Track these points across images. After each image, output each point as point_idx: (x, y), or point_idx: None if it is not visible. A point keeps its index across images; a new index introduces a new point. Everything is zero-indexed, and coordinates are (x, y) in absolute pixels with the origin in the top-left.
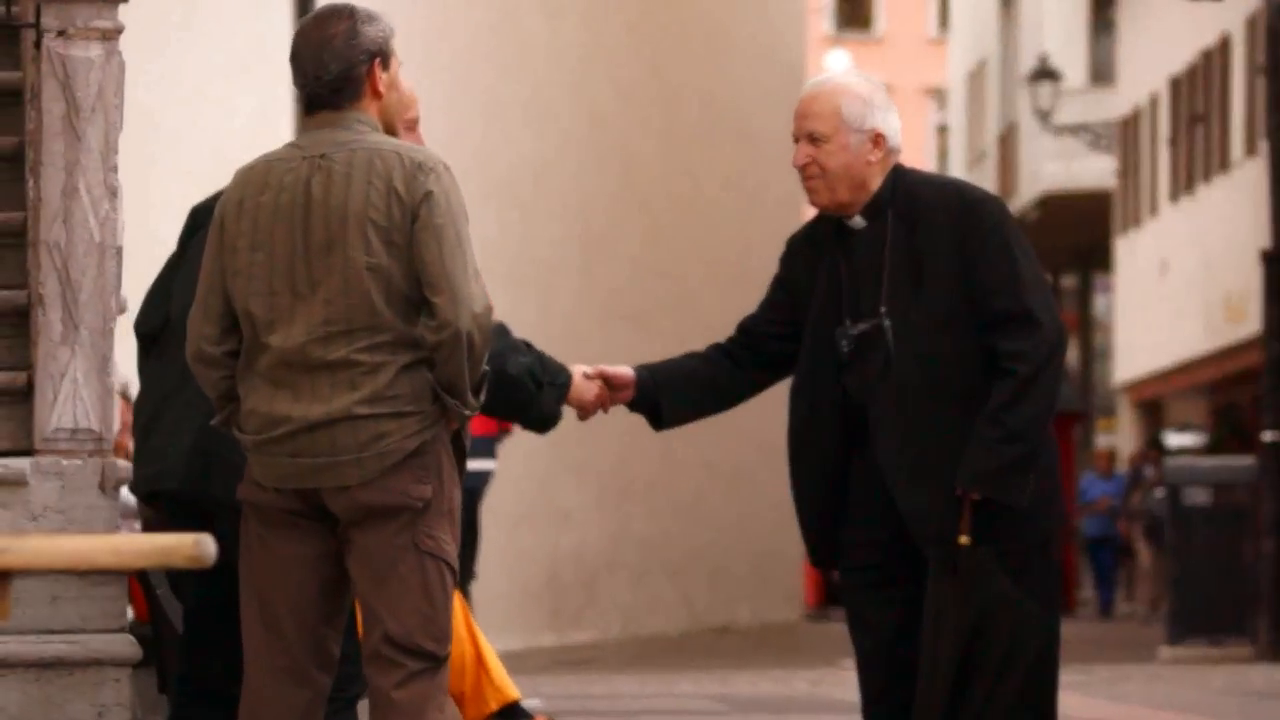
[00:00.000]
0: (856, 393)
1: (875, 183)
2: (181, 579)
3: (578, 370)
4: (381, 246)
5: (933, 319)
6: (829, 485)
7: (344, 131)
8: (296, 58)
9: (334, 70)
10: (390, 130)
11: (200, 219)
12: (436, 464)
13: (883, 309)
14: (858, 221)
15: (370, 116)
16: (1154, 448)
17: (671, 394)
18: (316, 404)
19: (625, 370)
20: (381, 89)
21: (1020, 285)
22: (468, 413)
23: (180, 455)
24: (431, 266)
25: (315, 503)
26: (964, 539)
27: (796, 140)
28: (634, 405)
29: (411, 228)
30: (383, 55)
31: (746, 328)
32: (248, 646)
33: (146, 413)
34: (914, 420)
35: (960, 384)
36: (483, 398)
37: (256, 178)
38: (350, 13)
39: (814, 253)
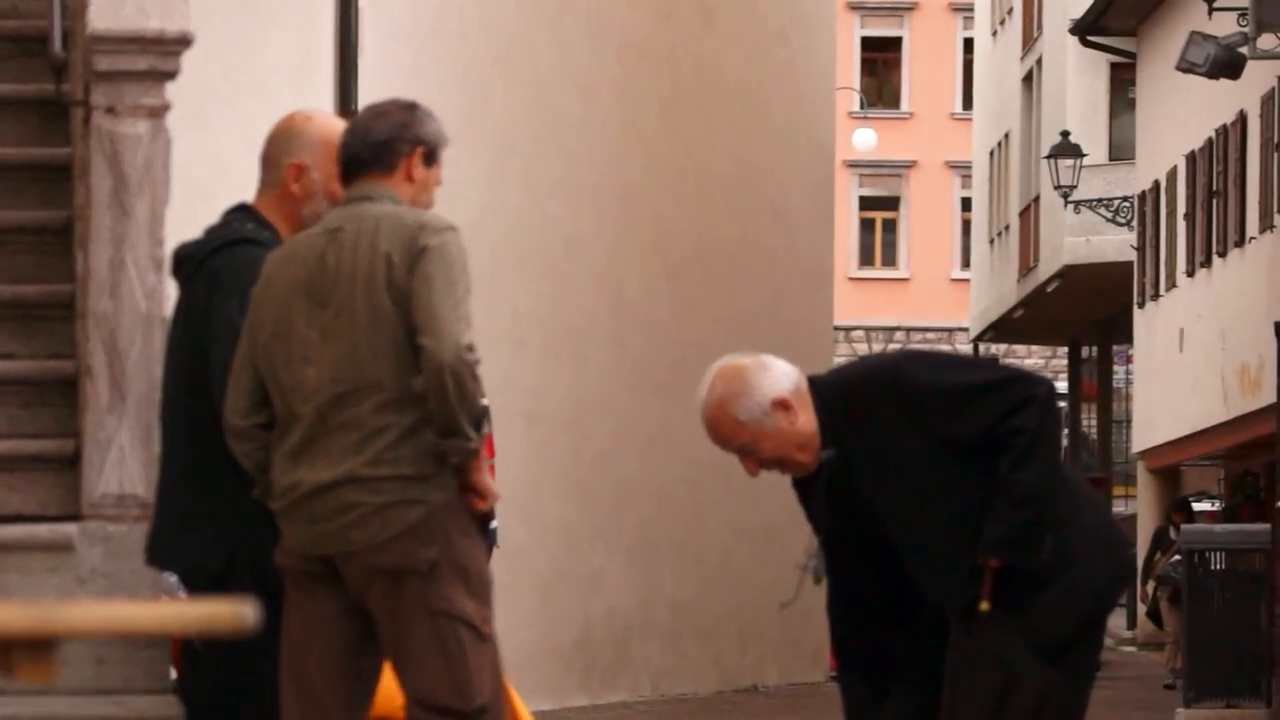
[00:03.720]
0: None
1: (812, 424)
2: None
3: None
4: (385, 303)
5: (929, 491)
6: (880, 675)
7: (365, 206)
8: (350, 126)
9: (378, 136)
10: None
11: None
12: (442, 525)
13: (882, 515)
14: (824, 455)
15: (394, 194)
16: (1180, 510)
17: None
18: (326, 468)
19: None
20: (415, 176)
21: (974, 403)
22: (471, 447)
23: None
24: (419, 309)
25: (334, 566)
26: (984, 605)
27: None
28: None
29: (409, 281)
30: (429, 149)
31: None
32: (283, 703)
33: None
34: (935, 543)
35: (972, 510)
36: (485, 431)
37: (283, 255)
38: (413, 105)
39: (804, 490)
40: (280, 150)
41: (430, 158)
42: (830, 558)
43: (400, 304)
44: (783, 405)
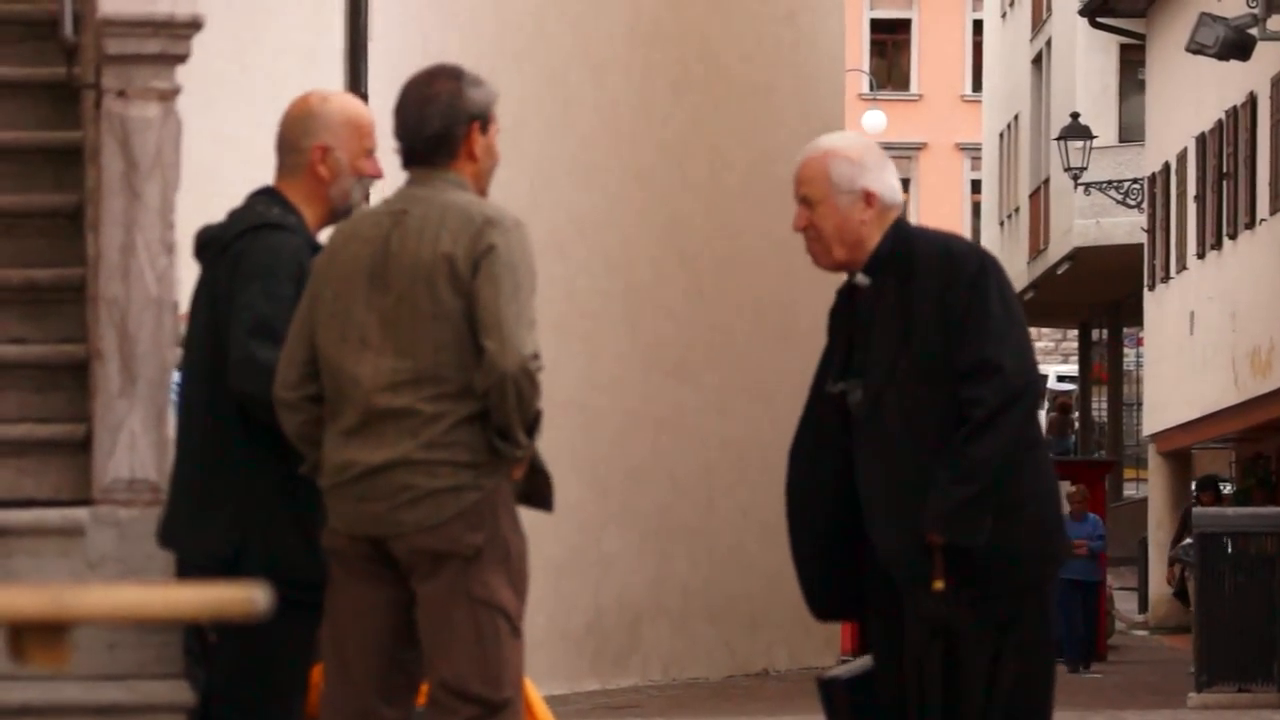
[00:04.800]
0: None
1: (873, 240)
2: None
3: None
4: (448, 298)
5: (918, 370)
6: (827, 541)
7: (428, 188)
8: (400, 111)
9: (434, 127)
10: (480, 191)
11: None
12: (492, 513)
13: (870, 363)
14: (861, 279)
15: (461, 177)
16: (1206, 489)
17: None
18: (380, 449)
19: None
20: (477, 152)
21: (987, 334)
22: (519, 454)
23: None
24: (485, 313)
25: (384, 549)
26: (938, 584)
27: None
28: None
29: (474, 279)
30: (483, 119)
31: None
32: (324, 686)
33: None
34: (894, 467)
35: (941, 433)
36: (536, 438)
37: (346, 231)
38: (458, 74)
39: (832, 315)
40: (299, 133)
41: (484, 126)
42: (813, 404)
43: (464, 298)
44: (869, 199)
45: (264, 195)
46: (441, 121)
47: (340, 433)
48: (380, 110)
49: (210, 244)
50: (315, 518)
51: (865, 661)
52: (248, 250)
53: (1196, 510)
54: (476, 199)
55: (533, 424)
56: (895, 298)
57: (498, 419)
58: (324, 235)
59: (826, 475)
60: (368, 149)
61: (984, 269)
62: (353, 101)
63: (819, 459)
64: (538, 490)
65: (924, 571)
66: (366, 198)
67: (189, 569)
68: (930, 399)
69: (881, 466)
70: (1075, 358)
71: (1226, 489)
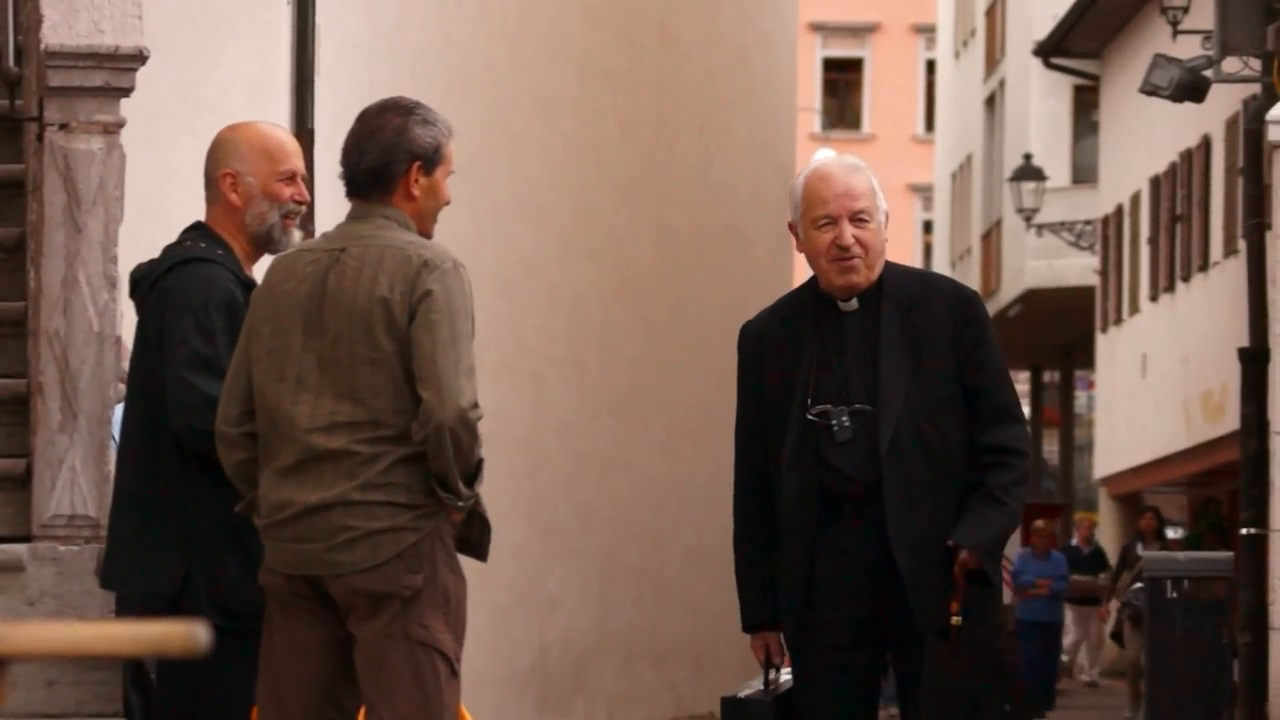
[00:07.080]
0: (854, 473)
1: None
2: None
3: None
4: (385, 341)
5: (931, 402)
6: (809, 565)
7: (367, 225)
8: (346, 140)
9: (371, 161)
10: (422, 231)
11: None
12: (430, 555)
13: (881, 392)
14: (852, 304)
15: (399, 213)
16: (1151, 514)
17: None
18: (317, 489)
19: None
20: (415, 192)
21: (1006, 382)
22: (460, 504)
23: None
24: (422, 361)
25: (321, 589)
26: (956, 619)
27: (831, 221)
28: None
29: (410, 326)
30: (426, 159)
31: (757, 451)
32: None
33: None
34: (917, 501)
35: (953, 465)
36: (478, 488)
37: (285, 266)
38: (409, 109)
39: (786, 334)
40: (213, 165)
41: (429, 167)
42: (751, 433)
43: (400, 343)
44: (887, 219)
45: (194, 230)
46: (380, 156)
47: (276, 471)
48: (326, 144)
49: (140, 282)
50: (257, 549)
51: (778, 681)
52: (175, 285)
53: (1146, 554)
54: (416, 239)
55: (473, 474)
56: (899, 329)
57: (436, 469)
58: (260, 268)
59: (811, 494)
60: (282, 173)
61: (987, 314)
62: (266, 128)
63: (806, 479)
64: (475, 539)
65: (947, 605)
66: (311, 232)
67: (130, 608)
68: (944, 431)
69: (906, 501)
70: (1027, 400)
71: (1178, 533)
